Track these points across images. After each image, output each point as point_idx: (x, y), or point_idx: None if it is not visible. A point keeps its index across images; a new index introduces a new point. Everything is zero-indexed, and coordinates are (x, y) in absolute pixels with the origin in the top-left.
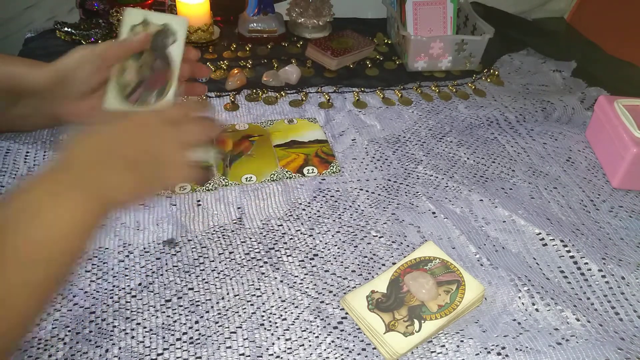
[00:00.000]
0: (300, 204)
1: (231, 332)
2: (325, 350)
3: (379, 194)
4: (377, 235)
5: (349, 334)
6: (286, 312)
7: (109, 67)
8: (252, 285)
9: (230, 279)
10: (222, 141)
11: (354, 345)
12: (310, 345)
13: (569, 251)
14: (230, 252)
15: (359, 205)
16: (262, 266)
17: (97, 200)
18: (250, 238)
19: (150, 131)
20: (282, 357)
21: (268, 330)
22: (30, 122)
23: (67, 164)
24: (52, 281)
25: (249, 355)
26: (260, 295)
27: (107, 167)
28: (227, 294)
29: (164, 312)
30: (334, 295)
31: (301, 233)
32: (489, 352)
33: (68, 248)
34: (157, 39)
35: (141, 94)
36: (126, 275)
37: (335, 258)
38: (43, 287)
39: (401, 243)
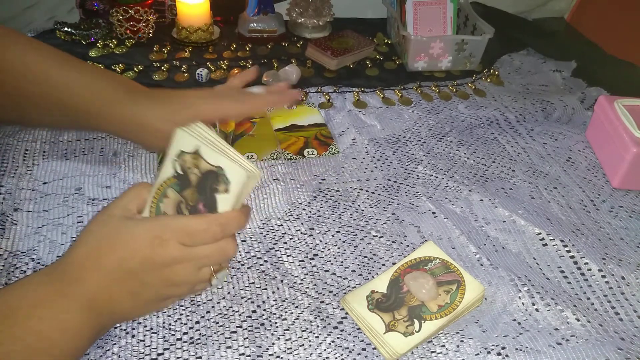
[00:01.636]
0: (300, 203)
1: (231, 332)
2: (325, 350)
3: (379, 194)
4: (377, 235)
5: (349, 334)
6: (286, 312)
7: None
8: (253, 284)
9: (231, 278)
10: (225, 121)
11: (354, 345)
12: (310, 345)
13: (569, 251)
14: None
15: (359, 205)
16: (262, 265)
17: (95, 320)
18: (251, 238)
19: (167, 256)
20: (282, 357)
21: (268, 330)
22: (54, 124)
23: (75, 270)
24: None
25: (249, 355)
26: (260, 294)
27: (112, 291)
28: (228, 293)
29: (164, 311)
30: (334, 295)
31: (301, 233)
32: (489, 352)
33: (64, 355)
34: (206, 180)
35: None
36: None
37: (335, 258)
38: None
39: (401, 243)
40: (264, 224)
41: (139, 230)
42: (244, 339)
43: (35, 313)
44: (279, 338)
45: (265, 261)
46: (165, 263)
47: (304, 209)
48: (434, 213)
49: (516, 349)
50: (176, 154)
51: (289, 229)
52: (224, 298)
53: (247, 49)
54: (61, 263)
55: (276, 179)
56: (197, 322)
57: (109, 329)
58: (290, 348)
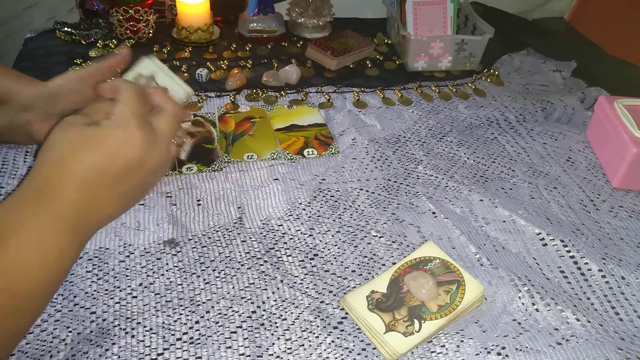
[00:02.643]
0: (300, 203)
1: (231, 332)
2: (325, 350)
3: (379, 194)
4: (377, 235)
5: (349, 334)
6: (286, 312)
7: (91, 88)
8: (253, 284)
9: (231, 278)
10: (225, 121)
11: (354, 345)
12: (310, 345)
13: (569, 251)
14: (230, 252)
15: (359, 205)
16: (262, 265)
17: (78, 237)
18: (251, 238)
19: (139, 155)
20: (282, 357)
21: (268, 330)
22: (5, 135)
23: (47, 190)
24: (15, 316)
25: (249, 355)
26: (260, 295)
27: (93, 203)
28: (228, 293)
29: (164, 312)
30: (334, 295)
31: (301, 233)
32: (489, 352)
33: (37, 285)
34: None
35: None
36: (127, 276)
37: (335, 258)
38: (10, 312)
39: (401, 243)
40: (264, 224)
41: (122, 134)
42: (244, 339)
43: (15, 237)
44: (279, 338)
45: (265, 261)
46: (152, 157)
47: (304, 209)
48: (434, 213)
49: (516, 349)
50: (134, 76)
51: (289, 229)
52: (223, 298)
53: (247, 49)
54: (30, 181)
55: (276, 179)
56: (197, 322)
57: (95, 233)
58: (290, 348)
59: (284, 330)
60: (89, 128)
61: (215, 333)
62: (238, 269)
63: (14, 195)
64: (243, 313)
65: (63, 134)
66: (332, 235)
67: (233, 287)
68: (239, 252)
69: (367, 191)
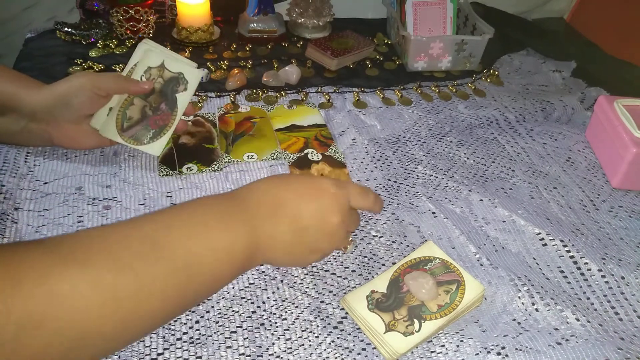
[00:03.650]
0: None
1: (231, 332)
2: (325, 350)
3: (379, 194)
4: (377, 235)
5: (349, 334)
6: (286, 312)
7: (107, 97)
8: (253, 284)
9: None
10: (225, 121)
11: (354, 345)
12: (310, 345)
13: (568, 251)
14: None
15: None
16: (262, 265)
17: (256, 245)
18: None
19: (323, 208)
20: (282, 357)
21: (268, 330)
22: (18, 138)
23: (242, 203)
24: (186, 297)
25: (249, 355)
26: (260, 295)
27: (275, 221)
28: (228, 293)
29: None
30: (334, 295)
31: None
32: (488, 352)
33: (215, 272)
34: (169, 85)
35: (138, 131)
36: None
37: (335, 258)
38: (177, 298)
39: (401, 243)
40: None
41: (323, 181)
42: (244, 339)
43: (186, 230)
44: (279, 338)
45: None
46: (336, 213)
47: None
48: (433, 213)
49: (516, 349)
50: (144, 69)
51: None
52: (223, 298)
53: (247, 49)
54: (233, 193)
55: None
56: (197, 322)
57: (261, 263)
58: (290, 348)
59: (284, 330)
60: (299, 175)
61: (215, 333)
62: None
63: (215, 196)
64: (243, 313)
65: (274, 176)
66: None
67: (233, 287)
68: None
69: None
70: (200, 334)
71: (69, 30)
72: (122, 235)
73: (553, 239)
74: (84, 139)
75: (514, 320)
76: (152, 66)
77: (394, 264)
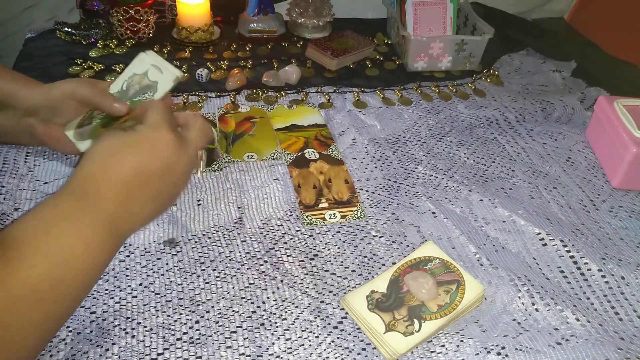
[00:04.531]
0: None
1: (231, 332)
2: (325, 350)
3: (379, 194)
4: (377, 235)
5: (349, 334)
6: (286, 312)
7: (93, 105)
8: (253, 284)
9: (231, 278)
10: (225, 121)
11: (354, 345)
12: (310, 345)
13: (568, 251)
14: (230, 252)
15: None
16: (262, 265)
17: (116, 233)
18: (251, 238)
19: (171, 155)
20: (282, 357)
21: (268, 330)
22: (11, 136)
23: (89, 188)
24: (56, 304)
25: (249, 355)
26: (260, 295)
27: (131, 202)
28: (228, 293)
29: (164, 311)
30: (334, 295)
31: (301, 233)
32: (488, 352)
33: (77, 274)
34: (143, 91)
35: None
36: (127, 276)
37: (335, 258)
38: (50, 297)
39: (401, 243)
40: (264, 224)
41: (152, 134)
42: (244, 338)
43: (56, 228)
44: (279, 338)
45: (265, 261)
46: (173, 158)
47: None
48: (434, 213)
49: (516, 349)
50: (129, 75)
51: (289, 229)
52: (223, 298)
53: (247, 49)
54: (73, 182)
55: (276, 179)
56: (197, 322)
57: (127, 238)
58: (290, 348)
59: (284, 330)
60: (126, 134)
61: (215, 333)
62: (238, 269)
63: (57, 193)
64: (243, 313)
65: (104, 142)
66: (332, 236)
67: (233, 287)
68: (239, 252)
69: (367, 191)
70: (200, 334)
71: (69, 30)
72: None
73: (553, 239)
74: (68, 142)
75: (514, 320)
76: (137, 73)
77: (394, 264)
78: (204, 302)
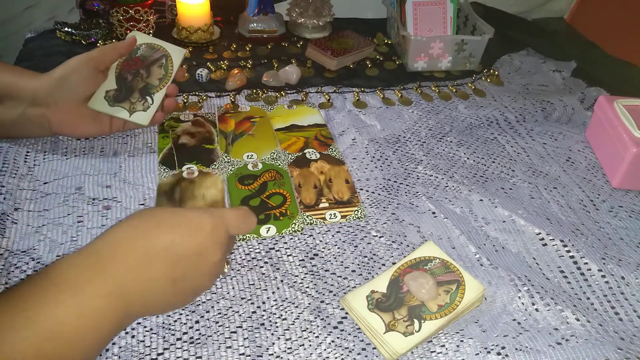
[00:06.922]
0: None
1: (231, 332)
2: (325, 350)
3: (379, 194)
4: (377, 235)
5: (349, 334)
6: (286, 311)
7: (103, 71)
8: (253, 284)
9: (231, 278)
10: (225, 121)
11: (354, 345)
12: (310, 345)
13: (568, 251)
14: (230, 252)
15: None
16: (262, 266)
17: (124, 308)
18: (251, 238)
19: (207, 241)
20: (282, 357)
21: (268, 330)
22: (15, 129)
23: (102, 260)
24: None
25: (249, 355)
26: (260, 295)
27: (149, 279)
28: (228, 293)
29: None
30: (334, 295)
31: (301, 233)
32: (488, 352)
33: (72, 349)
34: (152, 51)
35: (124, 95)
36: None
37: (335, 258)
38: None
39: (401, 243)
40: None
41: (197, 216)
42: (244, 338)
43: (54, 296)
44: (279, 338)
45: (266, 262)
46: (217, 251)
47: None
48: (433, 213)
49: (516, 349)
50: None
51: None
52: (223, 298)
53: (247, 49)
54: (95, 245)
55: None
56: (197, 322)
57: (136, 319)
58: (290, 348)
59: (284, 330)
60: (174, 211)
61: (215, 333)
62: (238, 270)
63: (75, 254)
64: (243, 313)
65: (142, 213)
66: (332, 236)
67: (233, 287)
68: (239, 252)
69: (367, 191)
70: (200, 334)
71: (69, 30)
72: None
73: (553, 239)
74: (83, 124)
75: (514, 320)
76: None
77: (394, 264)
78: (203, 302)
